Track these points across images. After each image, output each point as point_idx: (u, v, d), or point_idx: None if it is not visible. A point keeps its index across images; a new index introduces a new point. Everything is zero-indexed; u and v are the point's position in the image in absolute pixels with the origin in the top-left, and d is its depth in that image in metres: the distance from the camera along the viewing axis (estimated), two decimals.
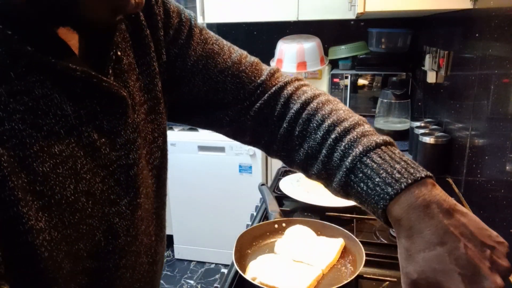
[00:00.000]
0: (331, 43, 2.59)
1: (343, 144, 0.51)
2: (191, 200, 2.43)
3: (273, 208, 1.05)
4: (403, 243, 0.48)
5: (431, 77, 1.63)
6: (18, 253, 0.39)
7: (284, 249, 0.90)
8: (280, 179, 1.31)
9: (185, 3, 3.00)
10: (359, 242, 0.87)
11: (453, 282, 0.41)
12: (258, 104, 0.60)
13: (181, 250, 2.59)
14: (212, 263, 2.59)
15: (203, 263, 2.59)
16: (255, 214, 1.19)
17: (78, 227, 0.44)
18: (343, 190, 0.52)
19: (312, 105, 0.57)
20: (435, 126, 1.54)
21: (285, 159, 0.62)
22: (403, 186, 0.45)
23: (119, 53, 0.49)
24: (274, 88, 0.60)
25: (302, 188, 1.25)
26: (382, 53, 2.38)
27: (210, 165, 2.33)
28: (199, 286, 2.41)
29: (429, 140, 1.40)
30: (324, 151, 0.53)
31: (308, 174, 0.59)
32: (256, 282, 0.76)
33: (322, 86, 2.46)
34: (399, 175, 0.46)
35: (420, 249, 0.45)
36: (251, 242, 0.94)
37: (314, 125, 0.55)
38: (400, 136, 1.85)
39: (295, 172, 1.37)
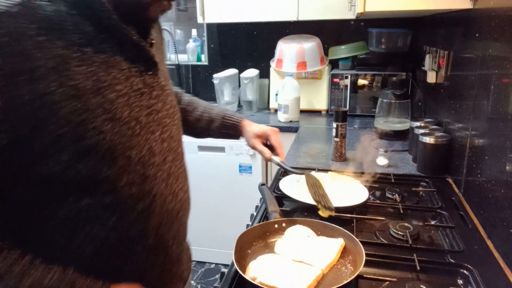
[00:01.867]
0: (331, 43, 2.59)
1: (214, 114, 1.12)
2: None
3: (273, 208, 1.05)
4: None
5: (431, 77, 1.63)
6: (88, 150, 0.59)
7: (284, 249, 0.90)
8: (280, 179, 1.31)
9: (185, 3, 3.00)
10: (359, 242, 0.87)
11: None
12: (181, 105, 1.07)
13: None
14: (212, 263, 2.60)
15: (203, 263, 2.59)
16: (255, 214, 1.19)
17: (130, 139, 0.65)
18: (217, 130, 1.12)
19: (201, 104, 1.13)
20: (435, 126, 1.54)
21: (187, 133, 1.08)
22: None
23: (153, 41, 0.75)
24: (182, 96, 1.11)
25: (302, 188, 1.25)
26: (382, 53, 2.38)
27: (210, 165, 2.33)
28: (199, 286, 2.42)
29: (429, 140, 1.40)
30: (206, 115, 1.11)
31: (193, 128, 1.11)
32: (256, 282, 0.76)
33: (322, 86, 2.46)
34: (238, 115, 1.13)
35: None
36: (251, 242, 0.94)
37: (196, 104, 1.12)
38: (400, 136, 1.85)
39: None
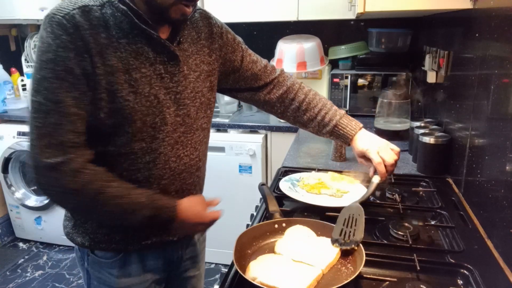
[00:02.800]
0: (331, 43, 2.59)
1: (329, 114, 1.12)
2: None
3: (273, 208, 1.05)
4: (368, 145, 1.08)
5: (431, 77, 1.63)
6: (116, 111, 0.83)
7: (285, 249, 0.90)
8: (280, 179, 1.31)
9: None
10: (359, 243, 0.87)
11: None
12: (280, 91, 1.15)
13: None
14: (212, 263, 2.60)
15: None
16: (255, 214, 1.19)
17: (149, 110, 0.86)
18: (328, 134, 1.13)
19: (310, 95, 1.15)
20: (435, 126, 1.54)
21: (292, 120, 1.17)
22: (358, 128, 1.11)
23: (182, 39, 0.94)
24: (287, 83, 1.16)
25: (302, 188, 1.25)
26: (382, 53, 2.38)
27: (210, 165, 2.32)
28: None
29: (429, 140, 1.40)
30: (319, 117, 1.13)
31: (306, 127, 1.17)
32: (256, 282, 0.76)
33: (322, 86, 2.46)
34: (355, 125, 1.12)
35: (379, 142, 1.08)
36: (251, 242, 0.94)
37: (312, 105, 1.14)
38: (400, 136, 1.85)
39: (295, 172, 1.37)
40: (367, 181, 1.29)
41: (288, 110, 1.15)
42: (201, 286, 1.21)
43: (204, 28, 1.01)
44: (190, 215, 0.92)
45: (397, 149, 1.07)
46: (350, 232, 0.91)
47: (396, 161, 1.05)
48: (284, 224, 0.99)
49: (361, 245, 0.86)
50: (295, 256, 0.87)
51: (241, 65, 1.10)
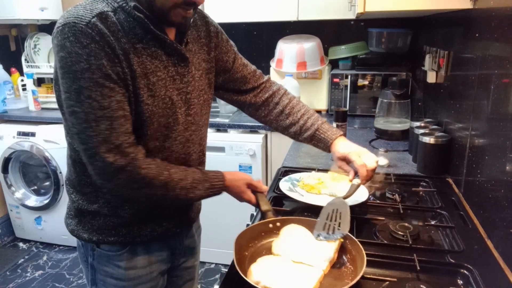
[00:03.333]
0: (331, 43, 2.59)
1: (311, 119, 1.15)
2: None
3: (265, 207, 1.03)
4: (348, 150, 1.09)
5: (431, 77, 1.63)
6: (137, 112, 0.87)
7: (283, 250, 0.90)
8: (280, 179, 1.31)
9: None
10: (357, 241, 0.87)
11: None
12: (266, 95, 1.18)
13: None
14: (212, 263, 2.60)
15: (203, 263, 2.59)
16: (255, 214, 1.19)
17: (164, 111, 0.91)
18: (309, 138, 1.14)
19: (294, 101, 1.18)
20: (435, 126, 1.54)
21: (274, 124, 1.19)
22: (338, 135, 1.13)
23: (188, 40, 0.97)
24: (274, 88, 1.20)
25: (302, 188, 1.25)
26: (382, 53, 2.38)
27: (210, 165, 2.32)
28: (199, 286, 2.41)
29: (429, 140, 1.40)
30: (301, 121, 1.15)
31: (286, 131, 1.18)
32: (260, 286, 0.76)
33: (322, 86, 2.46)
34: (336, 131, 1.14)
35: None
36: (248, 244, 0.94)
37: (296, 110, 1.16)
38: (400, 136, 1.85)
39: (295, 172, 1.37)
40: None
41: (272, 114, 1.17)
42: (197, 274, 1.27)
43: (202, 27, 1.03)
44: (233, 186, 1.02)
45: (377, 158, 1.08)
46: (334, 225, 0.93)
47: (376, 168, 1.06)
48: (278, 224, 0.98)
49: (361, 246, 0.85)
50: (294, 257, 0.87)
51: (233, 66, 1.12)
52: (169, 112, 0.92)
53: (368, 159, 1.05)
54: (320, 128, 1.13)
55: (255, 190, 1.05)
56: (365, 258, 0.81)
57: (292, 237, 0.94)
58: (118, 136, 0.82)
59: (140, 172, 0.85)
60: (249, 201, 1.04)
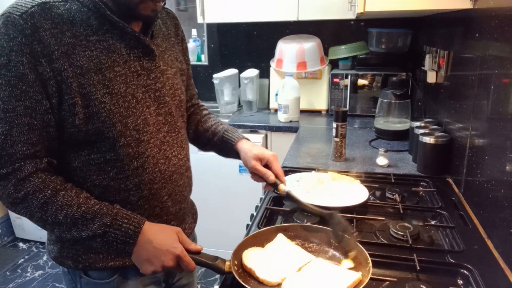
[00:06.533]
0: (331, 43, 2.59)
1: (222, 125, 1.14)
2: None
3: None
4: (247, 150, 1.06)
5: (431, 77, 1.63)
6: (92, 116, 0.77)
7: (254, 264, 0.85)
8: None
9: (185, 3, 3.00)
10: (363, 248, 0.86)
11: None
12: (193, 109, 1.16)
13: None
14: None
15: None
16: (255, 214, 1.18)
17: (127, 110, 0.81)
18: (219, 141, 1.13)
19: (212, 116, 1.19)
20: (435, 126, 1.54)
21: (191, 134, 1.15)
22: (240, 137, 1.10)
23: (154, 33, 0.91)
24: (202, 108, 1.19)
25: (302, 188, 1.25)
26: (382, 53, 2.38)
27: (210, 165, 2.33)
28: (199, 286, 2.41)
29: (429, 140, 1.40)
30: (213, 128, 1.14)
31: (201, 138, 1.16)
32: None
33: (322, 86, 2.46)
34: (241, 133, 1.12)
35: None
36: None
37: (212, 119, 1.17)
38: (400, 136, 1.85)
39: (295, 172, 1.37)
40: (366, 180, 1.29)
41: (192, 125, 1.15)
42: None
43: (172, 28, 1.00)
44: (157, 239, 0.79)
45: (275, 154, 1.06)
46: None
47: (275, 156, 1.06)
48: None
49: (364, 250, 0.85)
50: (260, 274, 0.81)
51: (186, 78, 1.07)
52: (135, 111, 0.83)
53: (277, 163, 1.04)
54: (228, 129, 1.12)
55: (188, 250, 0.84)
56: (370, 262, 0.80)
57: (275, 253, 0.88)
58: (13, 143, 0.73)
59: (15, 184, 0.75)
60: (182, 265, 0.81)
